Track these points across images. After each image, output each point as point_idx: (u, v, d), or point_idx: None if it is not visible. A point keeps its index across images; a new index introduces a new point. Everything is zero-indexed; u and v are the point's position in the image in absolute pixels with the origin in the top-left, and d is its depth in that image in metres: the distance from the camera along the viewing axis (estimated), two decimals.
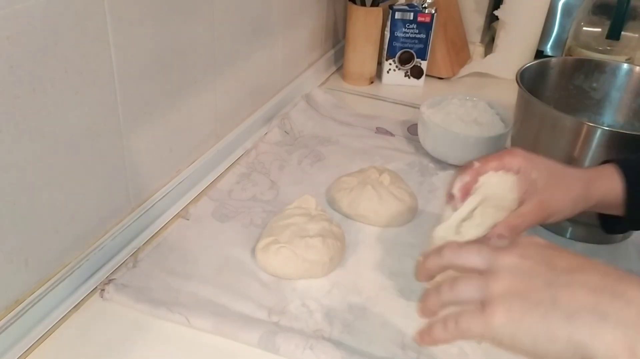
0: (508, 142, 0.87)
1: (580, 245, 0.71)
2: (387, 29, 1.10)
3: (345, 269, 0.65)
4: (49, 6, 0.48)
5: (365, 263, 0.66)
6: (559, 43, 1.21)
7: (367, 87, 1.13)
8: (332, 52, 1.19)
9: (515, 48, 1.17)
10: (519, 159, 0.51)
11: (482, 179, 0.52)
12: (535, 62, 0.80)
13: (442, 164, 0.86)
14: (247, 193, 0.76)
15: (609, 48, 0.95)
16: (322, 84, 1.13)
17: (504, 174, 0.52)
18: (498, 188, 0.52)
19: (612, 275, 0.34)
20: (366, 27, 1.08)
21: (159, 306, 0.57)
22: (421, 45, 1.10)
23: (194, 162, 0.77)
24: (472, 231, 0.51)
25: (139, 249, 0.65)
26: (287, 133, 0.91)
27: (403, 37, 1.10)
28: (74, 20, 0.51)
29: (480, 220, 0.52)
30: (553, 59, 0.83)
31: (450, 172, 0.84)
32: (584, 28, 0.97)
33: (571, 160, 0.64)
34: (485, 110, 0.88)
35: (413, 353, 0.54)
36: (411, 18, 1.08)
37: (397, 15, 1.08)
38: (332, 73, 1.19)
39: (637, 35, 0.95)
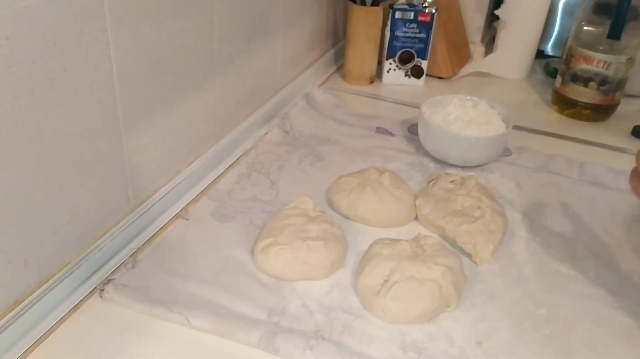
0: (508, 142, 0.87)
1: None
2: (388, 28, 1.09)
3: (346, 270, 0.65)
4: (48, 6, 0.47)
5: None
6: (560, 43, 1.21)
7: (367, 87, 1.13)
8: (332, 51, 1.19)
9: (516, 48, 1.17)
10: None
11: None
12: None
13: (442, 164, 0.86)
14: (246, 193, 0.76)
15: (609, 48, 0.95)
16: (322, 83, 1.13)
17: None
18: None
19: None
20: (366, 26, 1.08)
21: (158, 306, 0.57)
22: (421, 45, 1.10)
23: (193, 162, 0.77)
24: None
25: (138, 249, 0.65)
26: (287, 133, 0.91)
27: (403, 37, 1.10)
28: (74, 20, 0.50)
29: None
30: None
31: (451, 172, 0.83)
32: (585, 28, 0.97)
33: None
34: (486, 110, 0.87)
35: (413, 354, 0.54)
36: (411, 17, 1.08)
37: (398, 14, 1.08)
38: (332, 73, 1.19)
39: (638, 35, 0.95)
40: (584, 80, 0.99)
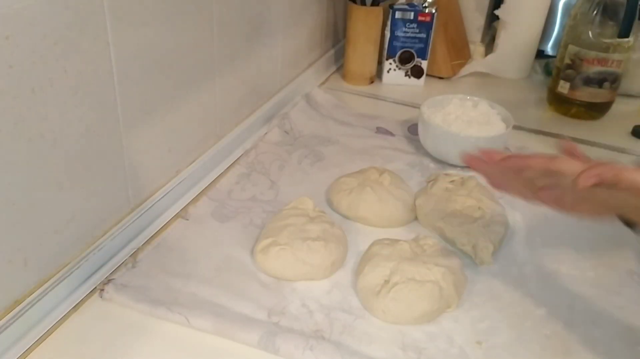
0: (508, 142, 0.87)
1: None
2: (388, 28, 1.09)
3: (346, 270, 0.65)
4: (48, 6, 0.47)
5: None
6: (560, 43, 1.21)
7: (367, 87, 1.13)
8: (332, 51, 1.18)
9: (515, 48, 1.17)
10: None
11: None
12: None
13: (442, 164, 0.86)
14: (246, 193, 0.76)
15: (619, 47, 0.95)
16: (322, 83, 1.13)
17: None
18: None
19: None
20: (366, 26, 1.08)
21: (158, 306, 0.57)
22: (421, 45, 1.10)
23: (193, 162, 0.76)
24: None
25: (138, 249, 0.65)
26: (287, 133, 0.91)
27: (403, 37, 1.10)
28: (74, 20, 0.50)
29: None
30: None
31: (451, 172, 0.83)
32: (592, 31, 0.95)
33: None
34: (486, 110, 0.87)
35: (413, 354, 0.54)
36: (411, 17, 1.08)
37: (398, 14, 1.08)
38: (332, 73, 1.19)
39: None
40: (598, 82, 0.99)
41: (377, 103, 1.08)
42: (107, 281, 0.59)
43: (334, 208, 0.74)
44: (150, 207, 0.68)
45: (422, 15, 1.07)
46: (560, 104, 1.04)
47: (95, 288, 0.59)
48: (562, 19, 1.20)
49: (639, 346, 0.57)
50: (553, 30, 1.22)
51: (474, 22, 1.25)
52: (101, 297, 0.58)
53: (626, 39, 0.94)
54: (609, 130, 1.00)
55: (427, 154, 0.88)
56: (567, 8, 1.19)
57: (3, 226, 0.49)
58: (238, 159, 0.84)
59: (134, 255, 0.64)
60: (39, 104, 0.49)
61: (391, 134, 0.95)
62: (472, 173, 0.82)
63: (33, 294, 0.53)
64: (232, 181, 0.78)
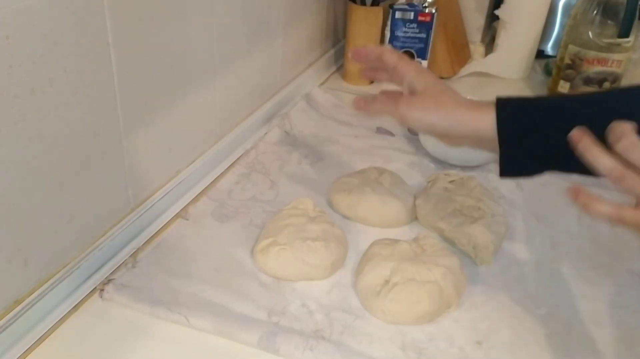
0: None
1: None
2: (388, 28, 1.09)
3: (346, 269, 0.65)
4: (48, 6, 0.47)
5: None
6: (560, 42, 1.21)
7: (368, 87, 1.13)
8: (332, 51, 1.19)
9: (516, 48, 1.17)
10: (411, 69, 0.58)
11: None
12: None
13: (442, 164, 0.86)
14: (246, 193, 0.76)
15: (618, 47, 0.95)
16: (322, 83, 1.13)
17: None
18: None
19: None
20: (366, 26, 1.08)
21: (158, 306, 0.57)
22: (421, 45, 1.10)
23: (193, 162, 0.76)
24: None
25: (138, 249, 0.65)
26: (287, 133, 0.91)
27: (403, 37, 1.10)
28: (74, 20, 0.50)
29: None
30: None
31: (451, 172, 0.83)
32: (592, 31, 0.97)
33: None
34: None
35: (413, 354, 0.54)
36: (411, 17, 1.08)
37: (398, 14, 1.08)
38: (333, 73, 1.19)
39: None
40: (598, 82, 0.99)
41: None
42: (107, 281, 0.59)
43: (334, 208, 0.74)
44: (150, 207, 0.68)
45: (422, 15, 1.07)
46: None
47: (95, 288, 0.59)
48: (562, 19, 1.21)
49: (639, 346, 0.57)
50: (553, 30, 1.22)
51: (474, 22, 1.25)
52: (101, 297, 0.58)
53: (626, 39, 0.94)
54: None
55: (427, 154, 0.88)
56: (567, 8, 1.19)
57: (3, 226, 0.49)
58: (238, 159, 0.84)
59: (134, 255, 0.64)
60: (39, 104, 0.49)
61: (391, 134, 0.95)
62: (472, 173, 0.82)
63: (33, 294, 0.53)
64: (232, 181, 0.78)
